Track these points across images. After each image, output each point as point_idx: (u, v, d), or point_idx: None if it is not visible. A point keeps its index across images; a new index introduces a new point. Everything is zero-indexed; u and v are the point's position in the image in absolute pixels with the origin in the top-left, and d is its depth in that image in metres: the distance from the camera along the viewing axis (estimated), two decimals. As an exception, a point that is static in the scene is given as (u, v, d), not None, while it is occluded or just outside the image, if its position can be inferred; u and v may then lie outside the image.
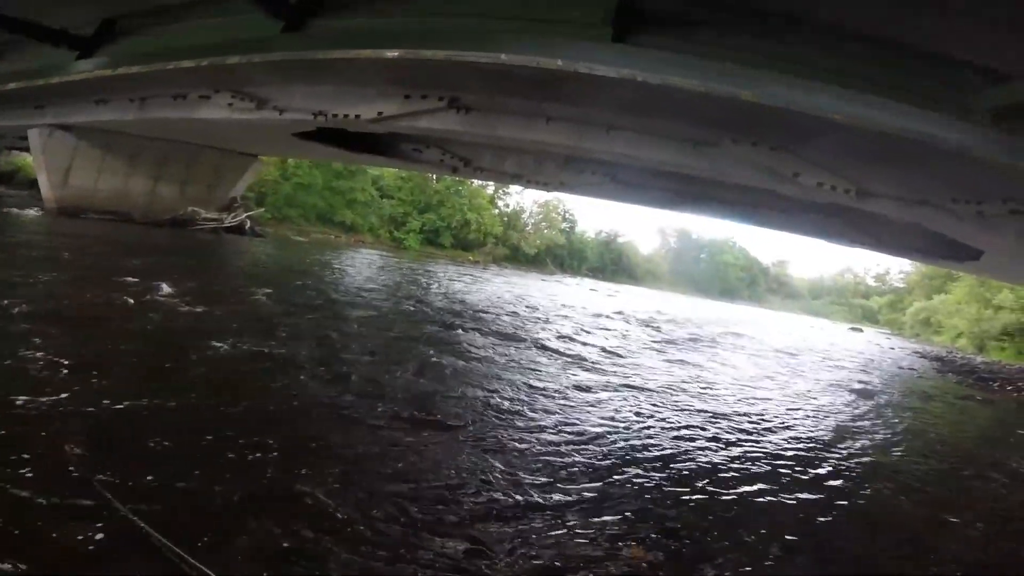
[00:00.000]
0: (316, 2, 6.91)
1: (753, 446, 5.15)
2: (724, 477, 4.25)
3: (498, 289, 17.94)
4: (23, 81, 9.85)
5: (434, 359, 6.06)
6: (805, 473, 4.69)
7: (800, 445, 5.51)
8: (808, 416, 7.13)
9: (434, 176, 31.22)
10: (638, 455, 4.32)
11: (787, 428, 6.13)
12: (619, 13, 5.37)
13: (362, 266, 18.34)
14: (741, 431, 5.60)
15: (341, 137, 12.20)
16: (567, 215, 43.25)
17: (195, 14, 8.18)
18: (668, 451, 4.57)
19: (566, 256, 41.05)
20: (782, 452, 5.14)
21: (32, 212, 16.32)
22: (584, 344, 9.50)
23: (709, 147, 7.13)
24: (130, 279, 7.25)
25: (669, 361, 9.62)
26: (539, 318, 12.27)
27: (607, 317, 15.33)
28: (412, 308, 10.63)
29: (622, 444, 4.48)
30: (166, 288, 7.04)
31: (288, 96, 9.52)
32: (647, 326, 15.11)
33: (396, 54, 6.00)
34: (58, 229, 14.00)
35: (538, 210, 41.41)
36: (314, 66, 7.13)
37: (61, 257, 8.74)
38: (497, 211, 38.37)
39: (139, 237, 14.38)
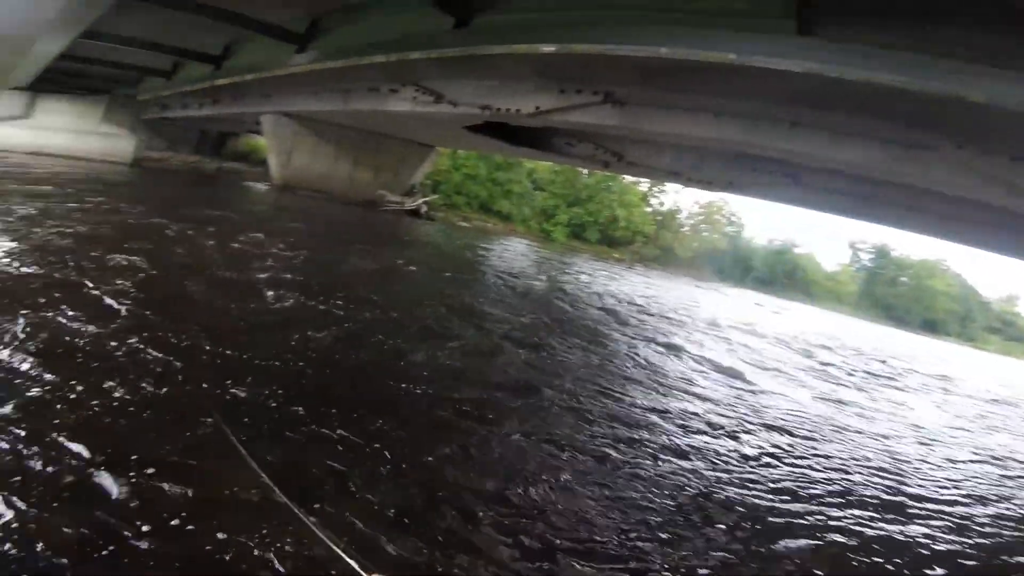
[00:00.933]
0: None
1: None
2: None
3: (640, 289, 17.25)
4: (255, 73, 12.21)
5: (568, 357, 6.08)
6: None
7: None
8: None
9: (586, 171, 31.14)
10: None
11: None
12: (803, 4, 4.73)
13: (510, 254, 19.13)
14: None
15: (504, 130, 12.82)
16: (732, 218, 39.65)
17: (380, 11, 9.18)
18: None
19: (728, 263, 37.75)
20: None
21: (262, 186, 20.44)
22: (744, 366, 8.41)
23: (923, 151, 5.93)
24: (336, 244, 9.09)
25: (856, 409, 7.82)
26: (693, 330, 11.05)
27: (778, 341, 13.23)
28: (560, 304, 10.58)
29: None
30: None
31: (460, 90, 10.35)
32: (825, 360, 12.14)
33: (551, 49, 6.12)
34: (282, 201, 17.45)
35: (699, 211, 38.66)
36: (478, 62, 7.61)
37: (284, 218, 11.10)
38: (650, 209, 36.81)
39: (341, 212, 17.20)
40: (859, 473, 4.74)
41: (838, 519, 3.68)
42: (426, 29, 7.74)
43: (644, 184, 35.88)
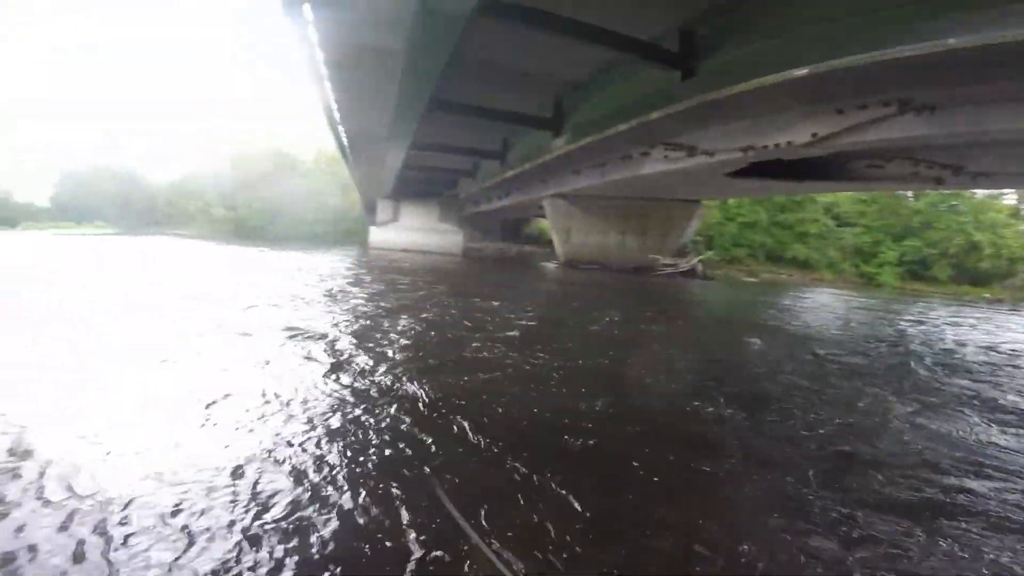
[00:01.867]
0: (695, 46, 6.71)
1: None
2: None
3: None
4: (528, 163, 14.08)
5: None
6: None
7: None
8: None
9: (910, 193, 23.90)
10: None
11: None
12: None
13: (819, 310, 14.06)
14: None
15: (777, 167, 11.22)
16: None
17: (609, 84, 9.49)
18: None
19: None
20: None
21: (550, 264, 22.91)
22: None
23: None
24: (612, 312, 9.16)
25: None
26: None
27: None
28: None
29: None
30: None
31: (711, 139, 9.67)
32: None
33: (804, 72, 5.05)
34: (566, 276, 19.02)
35: None
36: (720, 106, 6.93)
37: (570, 294, 12.06)
38: (1028, 226, 25.43)
39: (614, 281, 17.54)
40: None
41: None
42: (657, 88, 7.58)
43: (1011, 196, 25.31)
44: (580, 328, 7.58)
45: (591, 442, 3.17)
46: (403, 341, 5.56)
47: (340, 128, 14.00)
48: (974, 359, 6.95)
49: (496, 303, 9.61)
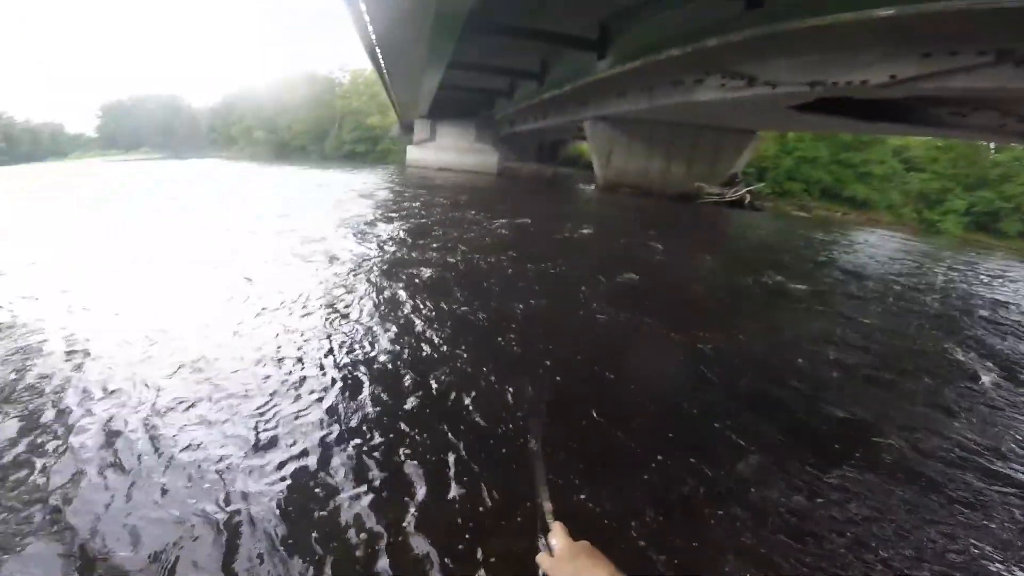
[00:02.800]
0: None
1: None
2: None
3: None
4: (569, 84, 13.20)
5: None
6: None
7: None
8: None
9: (992, 144, 21.34)
10: None
11: None
12: None
13: (876, 253, 13.22)
14: None
15: (846, 105, 10.18)
16: None
17: (666, 6, 8.52)
18: None
19: None
20: None
21: (587, 187, 22.17)
22: None
23: None
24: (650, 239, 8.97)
25: None
26: None
27: None
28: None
29: None
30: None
31: (775, 70, 8.72)
32: None
33: (890, 12, 4.32)
34: (604, 199, 18.56)
35: None
36: (784, 37, 6.13)
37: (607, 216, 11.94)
38: None
39: (656, 207, 17.03)
40: None
41: None
42: (720, 16, 6.74)
43: None
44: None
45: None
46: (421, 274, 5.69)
47: (377, 50, 13.33)
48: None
49: (526, 221, 9.71)
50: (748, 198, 20.34)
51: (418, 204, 12.72)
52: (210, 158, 34.17)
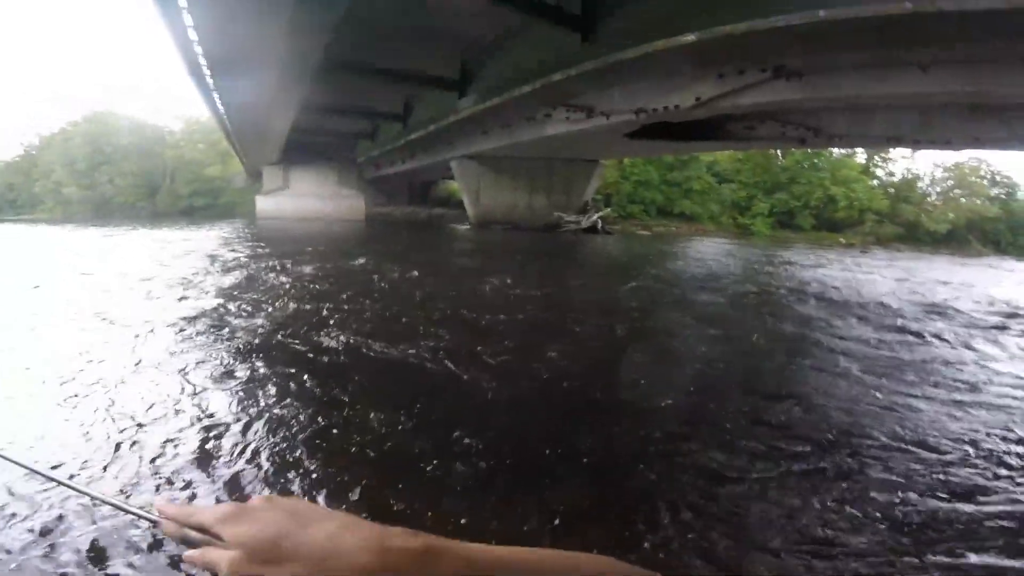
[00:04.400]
0: (595, 5, 6.89)
1: None
2: None
3: (887, 277, 12.94)
4: (433, 124, 13.65)
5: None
6: None
7: None
8: None
9: (779, 152, 26.88)
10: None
11: None
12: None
13: (703, 256, 16.82)
14: None
15: (668, 129, 11.95)
16: (999, 177, 29.73)
17: (513, 45, 9.43)
18: None
19: (1003, 232, 28.42)
20: None
21: (461, 226, 22.64)
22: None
23: None
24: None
25: None
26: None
27: None
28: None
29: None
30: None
31: (608, 100, 10.00)
32: None
33: (692, 38, 5.38)
34: (475, 237, 19.14)
35: (943, 175, 29.98)
36: (617, 69, 7.19)
37: (486, 253, 12.40)
38: (876, 182, 29.88)
39: (523, 239, 18.02)
40: None
41: None
42: (558, 49, 7.67)
43: (862, 155, 29.52)
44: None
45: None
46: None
47: (215, 94, 12.42)
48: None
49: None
50: (600, 223, 22.54)
51: (258, 267, 10.26)
52: (5, 222, 28.23)
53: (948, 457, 3.20)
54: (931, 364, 5.09)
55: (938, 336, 6.19)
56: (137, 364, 4.24)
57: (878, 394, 4.15)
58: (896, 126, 8.33)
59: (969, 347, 5.82)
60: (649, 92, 8.66)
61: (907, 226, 27.66)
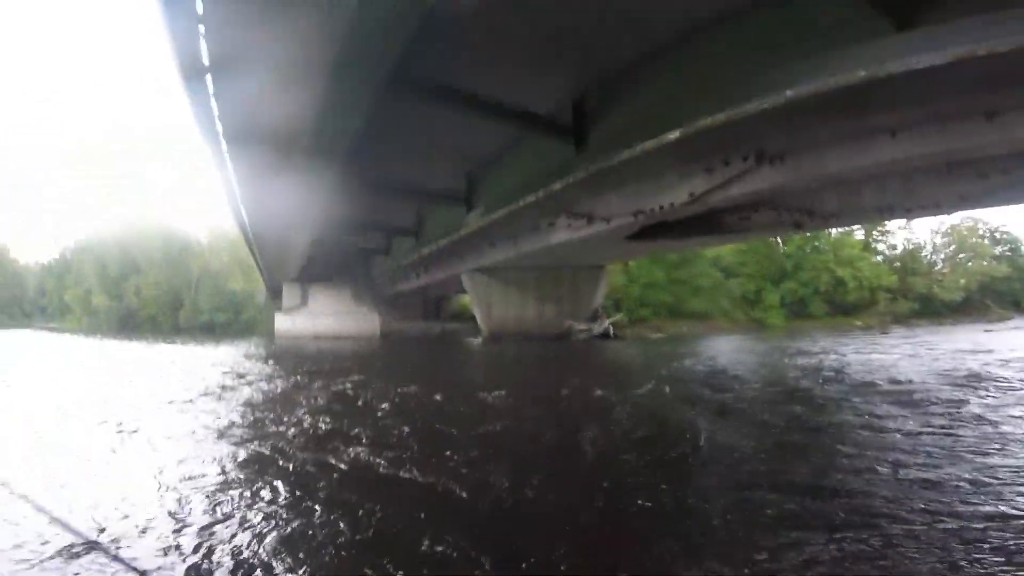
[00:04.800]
0: (585, 119, 7.61)
1: None
2: None
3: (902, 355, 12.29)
4: (444, 239, 14.26)
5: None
6: None
7: None
8: None
9: (779, 239, 27.63)
10: None
11: None
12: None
13: (720, 356, 15.18)
14: None
15: (665, 228, 12.42)
16: (998, 234, 29.81)
17: (515, 158, 10.21)
18: None
19: (1020, 291, 27.82)
20: None
21: (474, 340, 22.52)
22: None
23: None
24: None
25: None
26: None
27: None
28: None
29: None
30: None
31: (607, 205, 10.60)
32: None
33: (676, 135, 5.92)
34: (487, 350, 18.84)
35: (943, 240, 30.12)
36: (608, 173, 7.76)
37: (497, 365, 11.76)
38: (880, 257, 30.07)
39: (536, 349, 17.42)
40: None
41: None
42: (555, 159, 8.34)
43: (860, 232, 30.04)
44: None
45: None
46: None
47: (241, 208, 13.46)
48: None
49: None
50: (611, 329, 22.48)
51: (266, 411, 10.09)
52: (37, 328, 28.75)
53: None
54: (976, 444, 4.63)
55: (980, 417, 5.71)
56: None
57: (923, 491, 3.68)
58: (884, 196, 8.64)
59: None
60: (644, 193, 9.21)
61: (921, 299, 27.29)
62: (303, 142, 7.16)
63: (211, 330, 31.10)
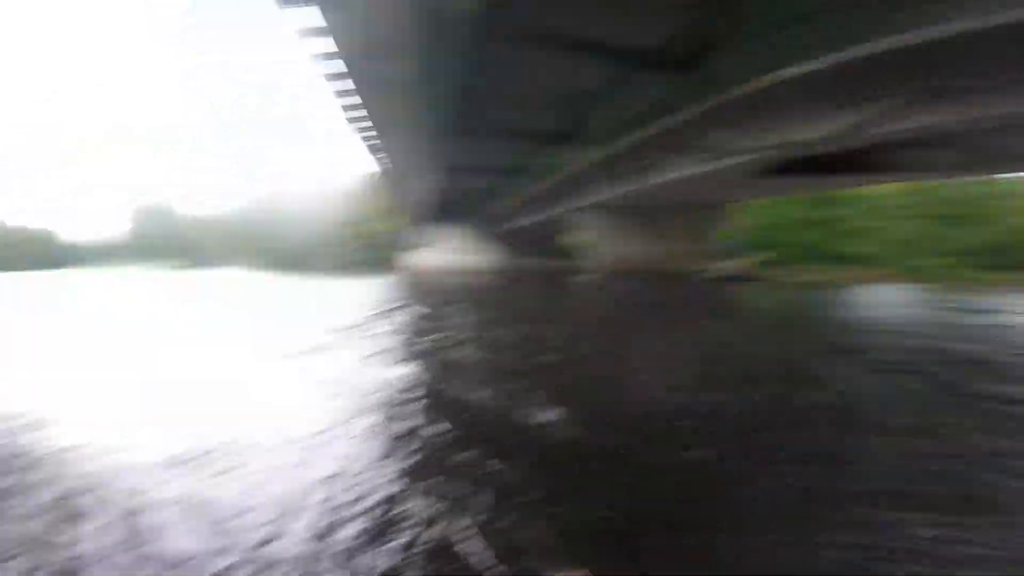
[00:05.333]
0: (710, 47, 6.71)
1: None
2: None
3: None
4: (558, 176, 14.14)
5: None
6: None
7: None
8: None
9: (947, 181, 22.32)
10: None
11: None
12: None
13: (894, 313, 10.39)
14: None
15: (807, 164, 10.95)
16: None
17: (627, 92, 9.51)
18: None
19: None
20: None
21: (588, 277, 22.15)
22: None
23: None
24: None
25: None
26: None
27: None
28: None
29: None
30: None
31: (737, 139, 9.57)
32: None
33: (829, 62, 5.00)
34: (611, 287, 17.25)
35: None
36: (739, 104, 6.92)
37: (618, 303, 11.58)
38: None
39: (657, 288, 15.38)
40: None
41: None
42: (674, 94, 7.68)
43: None
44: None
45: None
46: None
47: (375, 157, 14.70)
48: None
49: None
50: (740, 269, 20.65)
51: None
52: (230, 267, 36.33)
53: None
54: None
55: None
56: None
57: None
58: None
59: None
60: (782, 126, 8.16)
61: None
62: (417, 99, 7.48)
63: (357, 265, 35.71)
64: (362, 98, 8.94)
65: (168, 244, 51.38)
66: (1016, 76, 4.84)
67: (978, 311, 9.91)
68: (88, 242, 57.97)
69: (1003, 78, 4.93)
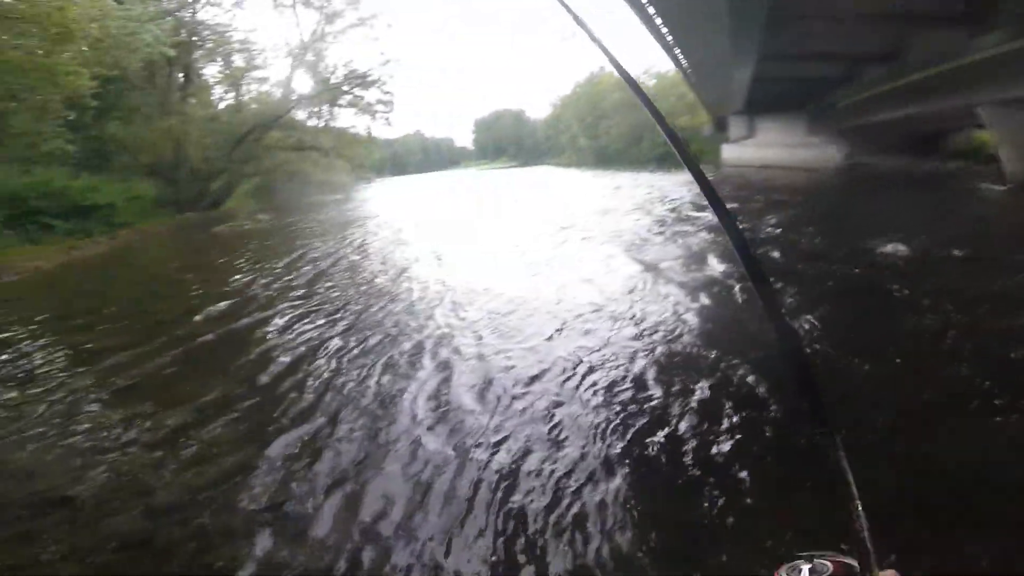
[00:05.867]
0: None
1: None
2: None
3: None
4: (935, 67, 10.75)
5: None
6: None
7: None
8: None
9: None
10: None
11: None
12: None
13: None
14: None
15: None
16: None
17: None
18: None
19: None
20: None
21: (995, 187, 15.28)
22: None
23: None
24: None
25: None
26: None
27: None
28: None
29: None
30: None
31: None
32: None
33: None
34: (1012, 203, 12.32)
35: None
36: None
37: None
38: None
39: None
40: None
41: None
42: None
43: None
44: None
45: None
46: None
47: (676, 51, 13.71)
48: None
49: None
50: None
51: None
52: (546, 164, 41.97)
53: None
54: None
55: None
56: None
57: None
58: None
59: None
60: None
61: None
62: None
63: (664, 160, 35.27)
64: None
65: (500, 146, 62.94)
66: None
67: None
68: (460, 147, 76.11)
69: None
